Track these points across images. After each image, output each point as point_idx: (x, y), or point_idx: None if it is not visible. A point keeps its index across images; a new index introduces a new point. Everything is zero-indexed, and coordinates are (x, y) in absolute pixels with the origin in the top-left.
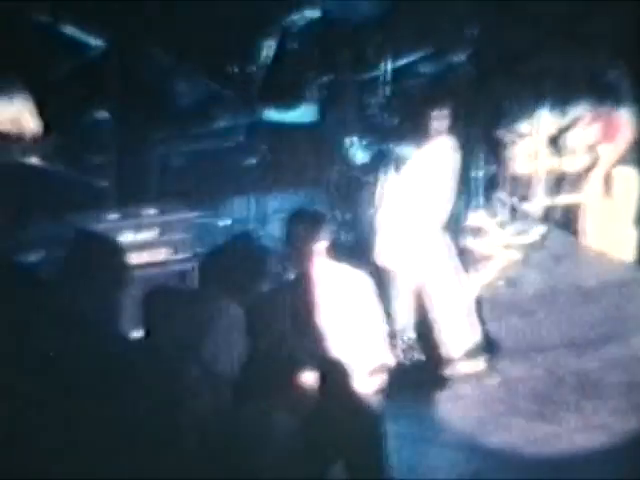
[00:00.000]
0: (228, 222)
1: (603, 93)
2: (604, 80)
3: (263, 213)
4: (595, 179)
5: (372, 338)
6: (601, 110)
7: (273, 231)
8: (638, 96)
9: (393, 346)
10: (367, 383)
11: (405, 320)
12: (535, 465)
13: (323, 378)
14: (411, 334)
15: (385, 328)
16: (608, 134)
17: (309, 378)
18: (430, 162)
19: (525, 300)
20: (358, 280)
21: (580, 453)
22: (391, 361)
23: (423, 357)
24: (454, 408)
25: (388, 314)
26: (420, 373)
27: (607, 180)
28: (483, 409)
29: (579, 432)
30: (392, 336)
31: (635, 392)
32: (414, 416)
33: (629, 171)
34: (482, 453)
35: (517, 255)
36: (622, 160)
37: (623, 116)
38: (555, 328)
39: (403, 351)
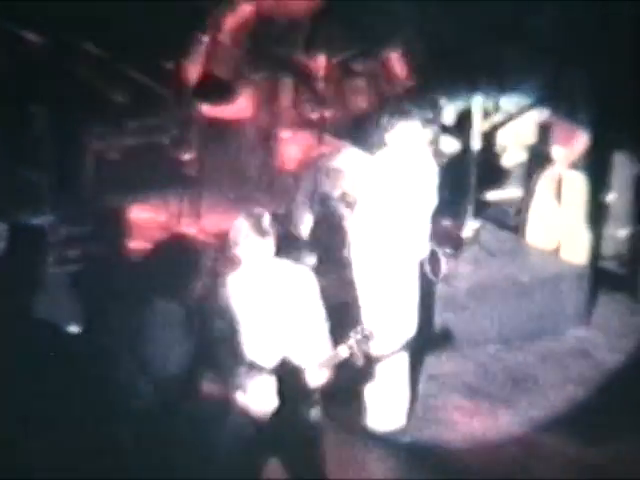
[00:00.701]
0: (163, 218)
1: (559, 99)
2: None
3: (198, 209)
4: (545, 180)
5: (318, 332)
6: (558, 114)
7: (209, 227)
8: (594, 104)
9: (347, 338)
10: (316, 377)
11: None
12: (466, 459)
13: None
14: (366, 327)
15: (329, 323)
16: (563, 138)
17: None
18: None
19: (459, 295)
20: (300, 275)
21: (515, 447)
22: (344, 354)
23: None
24: None
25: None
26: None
27: (558, 182)
28: (418, 404)
29: (514, 427)
30: (347, 328)
31: (569, 386)
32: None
33: (578, 176)
34: (414, 447)
35: (450, 251)
36: (574, 165)
37: (580, 123)
38: (489, 323)
39: (357, 342)
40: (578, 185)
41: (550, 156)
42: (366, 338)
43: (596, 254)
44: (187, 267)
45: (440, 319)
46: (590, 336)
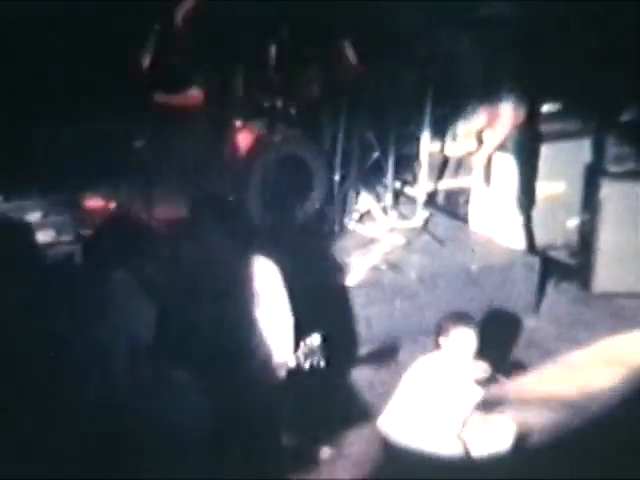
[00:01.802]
0: (114, 204)
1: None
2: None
3: (150, 195)
4: (477, 164)
5: (277, 332)
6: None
7: (160, 214)
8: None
9: (297, 348)
10: (272, 372)
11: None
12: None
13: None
14: (315, 339)
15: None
16: (491, 121)
17: None
18: None
19: (409, 284)
20: (264, 269)
21: None
22: (291, 362)
23: (323, 363)
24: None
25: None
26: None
27: (487, 165)
28: (369, 393)
29: None
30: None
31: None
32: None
33: (507, 157)
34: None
35: (401, 239)
36: (502, 147)
37: (505, 104)
38: (439, 311)
39: (304, 354)
40: (506, 168)
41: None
42: (312, 352)
43: (530, 240)
44: (136, 246)
45: (390, 307)
46: (539, 325)
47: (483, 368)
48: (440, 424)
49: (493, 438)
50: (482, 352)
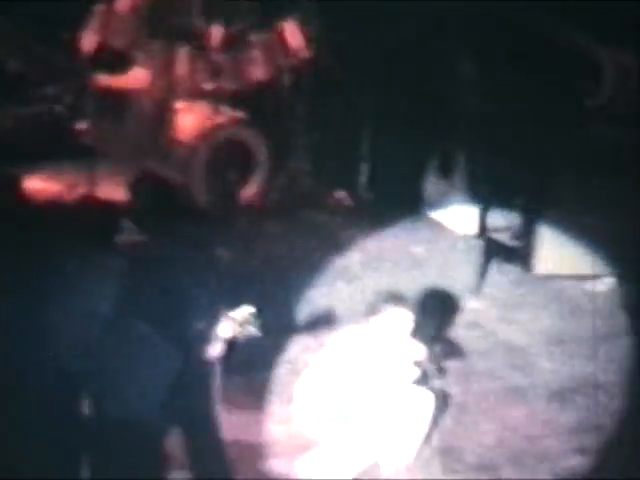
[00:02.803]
0: (57, 187)
1: None
2: None
3: (93, 178)
4: None
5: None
6: None
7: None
8: None
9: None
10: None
11: None
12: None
13: None
14: (249, 309)
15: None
16: None
17: None
18: None
19: (352, 265)
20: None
21: None
22: (227, 333)
23: (259, 333)
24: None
25: None
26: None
27: None
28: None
29: None
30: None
31: (469, 357)
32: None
33: None
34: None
35: (344, 221)
36: None
37: None
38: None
39: (237, 324)
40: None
41: None
42: (246, 322)
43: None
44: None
45: (333, 289)
46: (481, 307)
47: (418, 348)
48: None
49: (415, 409)
50: (420, 332)
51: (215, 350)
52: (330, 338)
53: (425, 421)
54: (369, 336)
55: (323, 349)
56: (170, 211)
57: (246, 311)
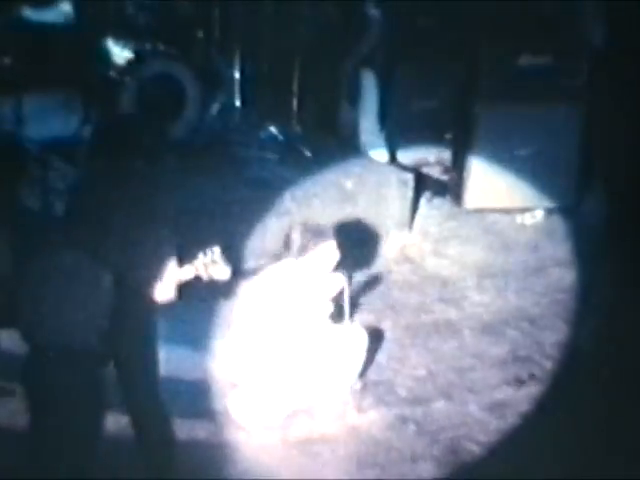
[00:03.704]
0: None
1: None
2: None
3: (20, 114)
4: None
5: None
6: None
7: (31, 133)
8: None
9: (194, 259)
10: (162, 292)
11: None
12: None
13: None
14: (215, 250)
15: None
16: None
17: None
18: None
19: (281, 199)
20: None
21: None
22: (189, 274)
23: (226, 276)
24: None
25: None
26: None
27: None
28: None
29: None
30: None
31: (394, 292)
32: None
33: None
34: None
35: (274, 156)
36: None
37: None
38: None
39: (204, 264)
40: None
41: None
42: (214, 262)
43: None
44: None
45: (260, 224)
46: (412, 241)
47: (339, 279)
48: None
49: (346, 347)
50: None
51: (166, 294)
52: (259, 275)
53: (358, 358)
54: (296, 272)
55: (251, 286)
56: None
57: (214, 252)
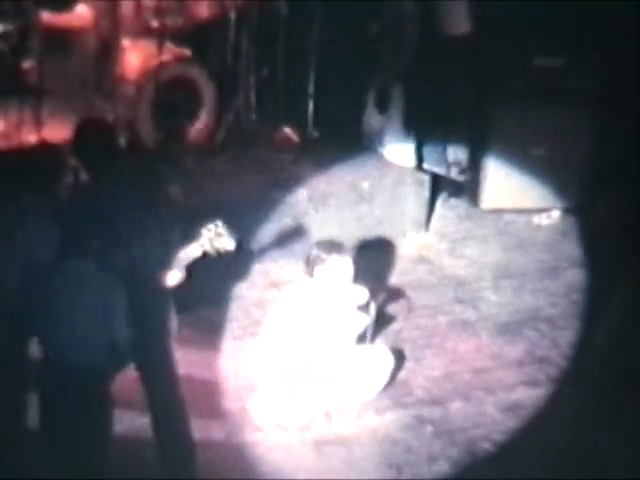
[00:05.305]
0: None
1: None
2: None
3: (38, 117)
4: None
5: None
6: None
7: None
8: None
9: (199, 236)
10: (172, 277)
11: None
12: None
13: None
14: (219, 222)
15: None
16: None
17: None
18: None
19: (299, 201)
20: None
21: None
22: (196, 252)
23: (232, 247)
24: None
25: None
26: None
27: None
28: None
29: None
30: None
31: (409, 291)
32: None
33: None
34: None
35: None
36: None
37: None
38: (328, 228)
39: (209, 240)
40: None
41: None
42: (219, 235)
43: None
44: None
45: (279, 225)
46: (428, 241)
47: (362, 293)
48: (322, 358)
49: (372, 369)
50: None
51: (175, 277)
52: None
53: (381, 380)
54: (314, 287)
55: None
56: (116, 151)
57: (217, 225)
